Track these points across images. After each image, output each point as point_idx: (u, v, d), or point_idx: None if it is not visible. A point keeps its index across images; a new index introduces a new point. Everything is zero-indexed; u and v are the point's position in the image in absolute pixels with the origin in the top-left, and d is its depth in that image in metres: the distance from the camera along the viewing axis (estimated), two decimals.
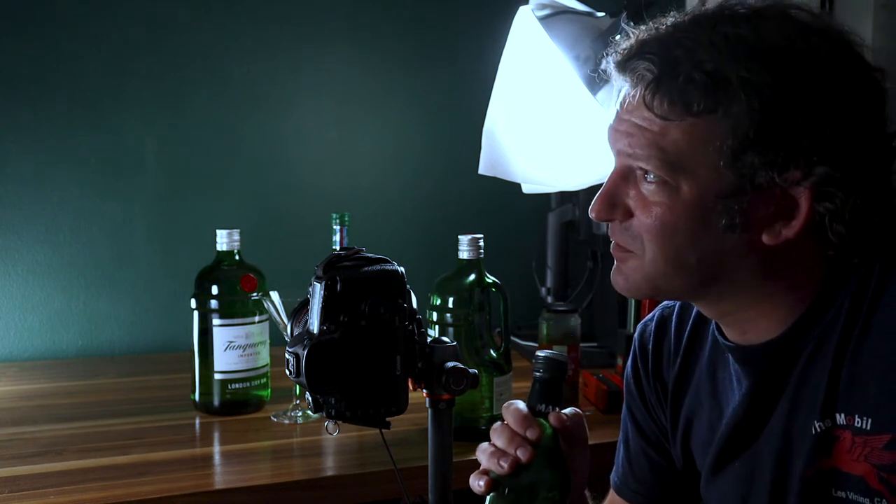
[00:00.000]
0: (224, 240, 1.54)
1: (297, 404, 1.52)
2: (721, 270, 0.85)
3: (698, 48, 0.80)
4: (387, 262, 0.85)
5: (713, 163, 0.80)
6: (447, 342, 0.88)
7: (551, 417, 0.89)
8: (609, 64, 0.87)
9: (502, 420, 0.91)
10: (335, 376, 0.82)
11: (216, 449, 1.43)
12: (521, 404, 0.91)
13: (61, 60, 1.93)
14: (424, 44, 2.18)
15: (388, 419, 0.85)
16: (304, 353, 0.81)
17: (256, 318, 1.53)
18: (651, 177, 0.83)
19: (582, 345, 1.63)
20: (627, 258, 0.88)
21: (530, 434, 0.87)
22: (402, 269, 0.85)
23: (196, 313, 1.52)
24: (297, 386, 1.48)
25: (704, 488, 1.00)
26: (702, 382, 0.99)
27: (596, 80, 1.43)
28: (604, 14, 1.68)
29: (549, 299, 2.03)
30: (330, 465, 1.36)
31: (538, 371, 0.90)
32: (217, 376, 1.51)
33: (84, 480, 1.24)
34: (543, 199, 2.06)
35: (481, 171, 1.63)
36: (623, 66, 0.85)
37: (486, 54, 1.73)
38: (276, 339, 1.48)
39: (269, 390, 1.58)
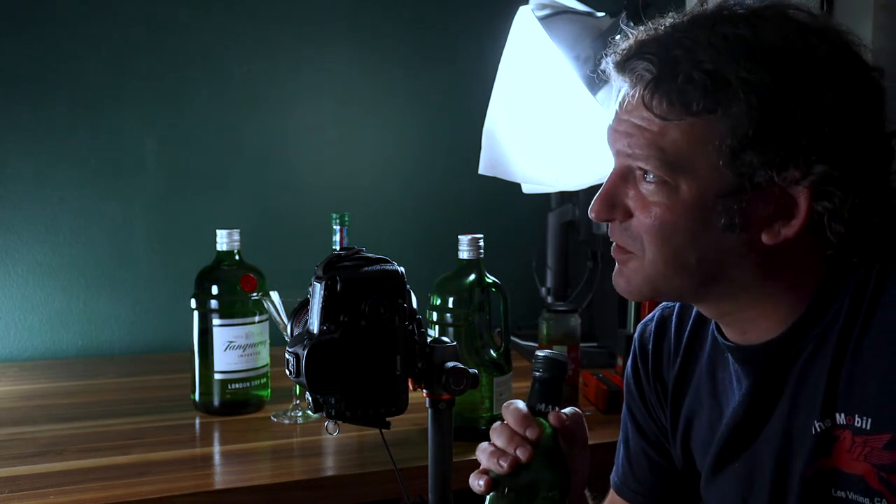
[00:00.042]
0: (224, 240, 1.54)
1: (297, 404, 1.52)
2: (721, 270, 0.85)
3: (697, 48, 0.80)
4: (387, 262, 0.85)
5: (712, 162, 0.80)
6: (447, 342, 0.88)
7: (551, 417, 0.89)
8: (608, 64, 0.87)
9: (502, 420, 0.91)
10: (335, 376, 0.82)
11: (216, 449, 1.43)
12: (520, 404, 0.91)
13: (61, 60, 1.93)
14: (424, 44, 2.18)
15: (388, 419, 0.85)
16: (304, 353, 0.81)
17: (256, 318, 1.53)
18: (650, 177, 0.83)
19: (582, 345, 1.63)
20: (628, 260, 0.88)
21: (530, 434, 0.87)
22: (402, 269, 0.85)
23: (196, 313, 1.52)
24: (297, 386, 1.48)
25: (704, 488, 1.00)
26: (702, 382, 0.99)
27: (596, 80, 1.43)
28: (604, 14, 1.68)
29: (549, 299, 2.03)
30: (330, 465, 1.36)
31: (538, 371, 0.90)
32: (217, 376, 1.52)
33: (84, 480, 1.25)
34: (543, 199, 2.06)
35: (481, 171, 1.63)
36: (622, 66, 0.85)
37: (486, 54, 1.73)
38: (276, 339, 1.48)
39: (269, 390, 1.58)
